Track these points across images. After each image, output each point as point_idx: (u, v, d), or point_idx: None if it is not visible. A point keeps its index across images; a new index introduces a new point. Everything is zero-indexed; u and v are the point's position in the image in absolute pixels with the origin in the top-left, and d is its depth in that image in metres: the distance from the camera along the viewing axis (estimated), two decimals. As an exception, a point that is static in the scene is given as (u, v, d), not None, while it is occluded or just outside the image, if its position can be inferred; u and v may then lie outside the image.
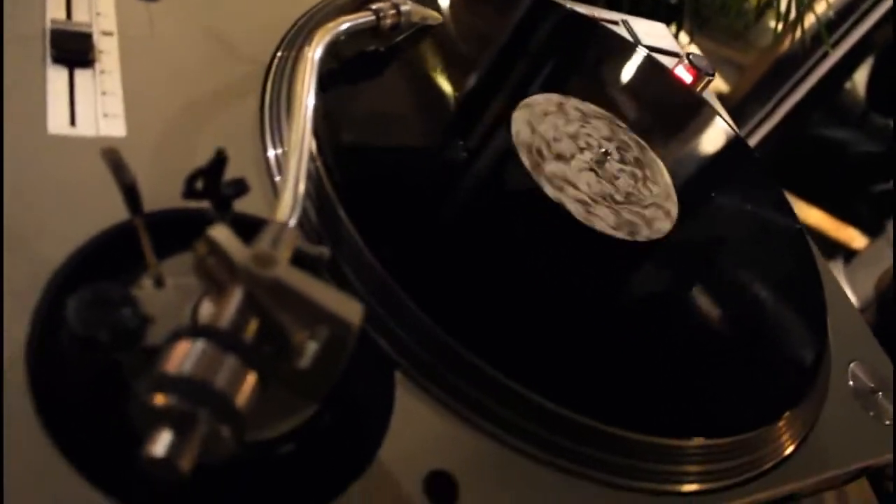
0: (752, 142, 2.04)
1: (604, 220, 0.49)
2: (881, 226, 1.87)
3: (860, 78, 2.05)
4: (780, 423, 0.45)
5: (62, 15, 0.43)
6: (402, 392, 0.36)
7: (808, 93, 2.00)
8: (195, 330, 0.26)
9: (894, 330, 1.16)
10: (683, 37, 1.39)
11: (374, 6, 0.49)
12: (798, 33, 1.36)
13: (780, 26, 1.29)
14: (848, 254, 1.89)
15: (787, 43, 1.40)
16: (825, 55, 1.89)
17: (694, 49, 2.09)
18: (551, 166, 0.50)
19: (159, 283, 0.32)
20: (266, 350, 0.29)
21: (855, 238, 1.94)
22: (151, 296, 0.31)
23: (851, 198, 2.02)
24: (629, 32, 0.73)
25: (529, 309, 0.42)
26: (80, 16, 0.43)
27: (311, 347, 0.29)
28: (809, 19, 1.29)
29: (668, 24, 1.23)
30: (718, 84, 2.28)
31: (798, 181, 1.93)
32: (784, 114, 2.05)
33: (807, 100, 1.98)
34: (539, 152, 0.49)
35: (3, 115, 0.37)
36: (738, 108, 2.18)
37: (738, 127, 2.06)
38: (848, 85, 2.11)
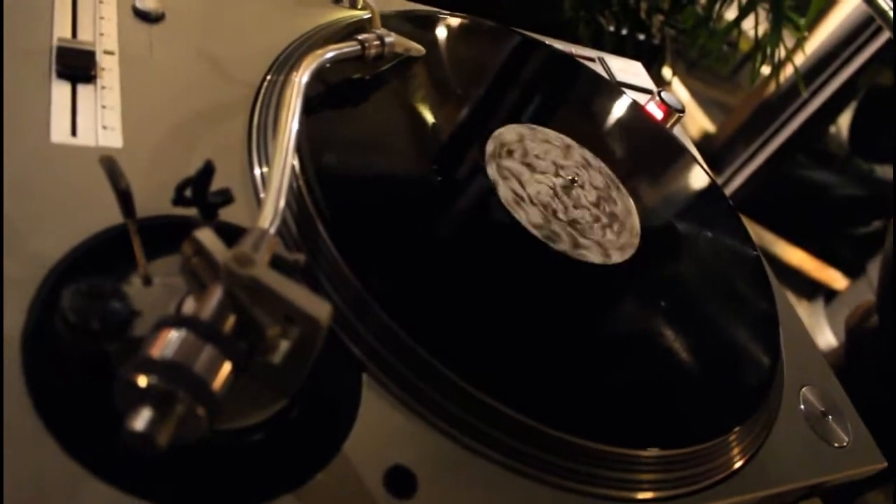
0: (737, 182, 2.08)
1: (583, 248, 0.52)
2: (862, 268, 1.90)
3: (844, 122, 2.10)
4: (731, 438, 0.48)
5: (68, 34, 0.46)
6: (368, 391, 0.38)
7: (792, 135, 2.04)
8: (178, 320, 0.29)
9: (862, 363, 1.19)
10: (668, 73, 1.43)
11: (360, 36, 0.52)
12: (781, 78, 1.40)
13: (765, 69, 1.34)
14: (829, 294, 1.91)
15: (772, 86, 1.44)
16: (809, 99, 1.94)
17: (679, 87, 2.14)
18: (528, 202, 0.53)
19: (147, 281, 0.34)
20: (242, 345, 0.31)
21: (836, 279, 1.97)
22: (140, 292, 0.34)
23: (833, 239, 2.05)
24: (605, 69, 0.77)
25: (492, 319, 0.45)
26: (85, 35, 0.46)
27: (284, 344, 0.32)
28: (789, 69, 1.34)
29: (651, 63, 1.28)
30: (704, 124, 2.32)
31: (781, 222, 1.97)
32: (768, 155, 2.09)
33: (791, 142, 2.02)
34: (514, 190, 0.53)
35: (7, 124, 0.40)
36: (724, 148, 2.23)
37: (723, 167, 2.09)
38: (832, 129, 2.15)
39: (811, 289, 1.91)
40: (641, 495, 0.44)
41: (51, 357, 0.32)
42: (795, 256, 1.98)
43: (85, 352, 0.32)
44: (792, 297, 1.76)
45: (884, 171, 2.06)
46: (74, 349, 0.32)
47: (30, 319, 0.33)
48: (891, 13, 1.11)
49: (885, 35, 1.62)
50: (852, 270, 1.94)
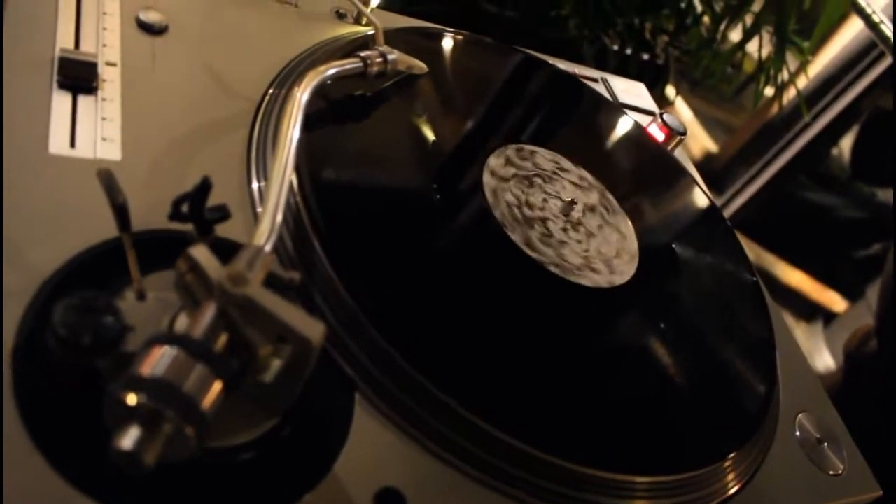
0: (738, 202, 2.08)
1: (581, 272, 0.52)
2: (862, 291, 1.90)
3: (846, 144, 2.10)
4: (726, 464, 0.48)
5: (71, 44, 0.46)
6: (360, 412, 0.38)
7: (794, 157, 2.04)
8: (169, 338, 0.29)
9: (860, 387, 1.18)
10: (671, 93, 1.44)
11: (362, 53, 0.52)
12: (784, 101, 1.41)
13: (768, 91, 1.34)
14: (828, 316, 1.91)
15: (775, 108, 1.45)
16: (812, 121, 1.94)
17: (682, 107, 2.15)
18: (526, 226, 0.53)
19: (141, 296, 0.34)
20: (234, 363, 0.31)
21: (835, 301, 1.96)
22: (133, 307, 0.34)
23: (833, 262, 2.05)
24: (607, 90, 0.77)
25: (487, 342, 0.45)
26: (88, 46, 0.46)
27: (276, 364, 0.32)
28: (792, 91, 1.34)
29: (655, 82, 1.28)
30: (707, 144, 2.33)
31: (781, 243, 1.97)
32: (770, 176, 2.09)
33: (793, 163, 2.02)
34: (513, 214, 0.53)
35: (7, 134, 0.40)
36: (726, 169, 2.23)
37: (725, 186, 2.09)
38: (835, 151, 2.16)
39: (810, 311, 1.90)
40: (635, 521, 0.43)
41: (41, 371, 0.32)
42: (795, 278, 1.98)
43: (76, 367, 0.32)
44: (791, 319, 1.76)
45: (885, 194, 2.06)
46: (65, 364, 0.31)
47: (21, 332, 0.33)
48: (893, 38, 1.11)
49: (888, 60, 1.63)
50: (852, 293, 1.94)
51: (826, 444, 0.55)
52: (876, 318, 1.19)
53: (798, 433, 0.55)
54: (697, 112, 2.36)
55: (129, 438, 0.26)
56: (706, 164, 2.24)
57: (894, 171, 1.81)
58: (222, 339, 0.31)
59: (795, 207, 2.15)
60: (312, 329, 0.30)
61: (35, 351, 0.32)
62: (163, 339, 0.29)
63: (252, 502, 0.33)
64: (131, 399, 0.27)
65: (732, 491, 0.48)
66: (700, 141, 2.31)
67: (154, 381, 0.27)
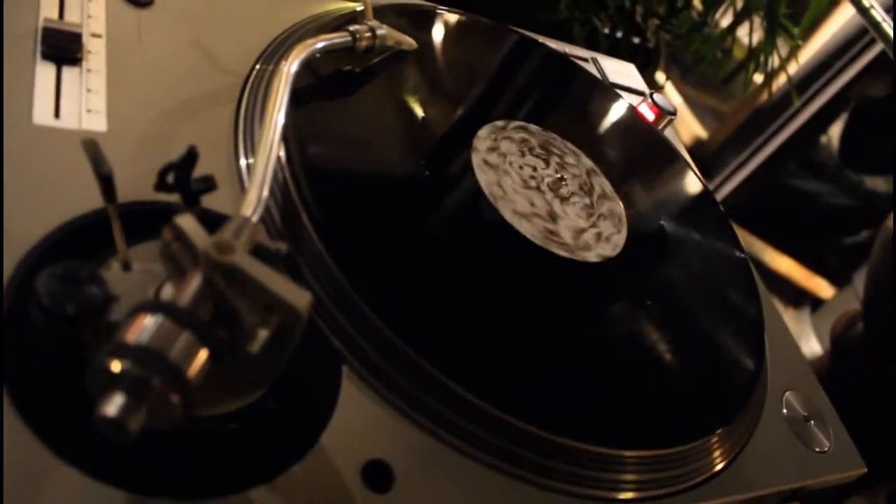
0: (727, 189, 2.08)
1: (568, 247, 0.52)
2: (849, 277, 1.91)
3: (835, 132, 2.11)
4: (713, 440, 0.48)
5: (55, 15, 0.45)
6: (348, 384, 0.38)
7: (783, 144, 2.05)
8: (155, 305, 0.29)
9: (846, 371, 1.19)
10: (661, 77, 1.44)
11: (351, 27, 0.52)
12: (773, 87, 1.41)
13: (758, 77, 1.34)
14: (815, 302, 1.92)
15: (765, 94, 1.45)
16: (801, 108, 1.95)
17: (672, 92, 2.15)
18: (514, 199, 0.53)
19: (126, 266, 0.34)
20: (220, 332, 0.31)
21: (823, 287, 1.98)
22: (118, 277, 0.33)
23: (821, 248, 2.06)
24: (598, 70, 0.76)
25: (475, 316, 0.45)
26: (72, 17, 0.46)
27: (262, 334, 0.31)
28: (782, 78, 1.35)
29: (645, 66, 1.28)
30: (696, 130, 2.33)
31: (770, 229, 1.98)
32: (759, 163, 2.10)
33: (782, 151, 2.03)
34: (500, 187, 0.52)
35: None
36: (715, 155, 2.23)
37: (714, 173, 2.09)
38: (823, 139, 2.16)
39: (798, 296, 1.92)
40: (622, 495, 0.43)
41: (25, 341, 0.32)
42: (783, 264, 1.99)
43: (60, 337, 0.31)
44: (779, 305, 1.77)
45: (873, 182, 2.08)
46: (49, 333, 0.31)
47: (5, 303, 0.32)
48: (884, 25, 1.11)
49: (878, 47, 1.63)
50: (839, 279, 1.96)
51: (812, 421, 0.56)
52: (862, 302, 1.20)
53: (785, 411, 0.55)
54: (687, 98, 2.36)
55: (113, 405, 0.26)
56: (696, 151, 2.25)
57: (884, 159, 1.81)
58: (208, 309, 0.30)
59: (784, 195, 2.16)
60: (299, 297, 0.30)
61: (19, 321, 0.32)
62: (148, 306, 0.29)
63: (239, 472, 0.33)
64: (116, 366, 0.27)
65: (719, 467, 0.48)
66: (689, 127, 2.31)
67: (139, 348, 0.27)
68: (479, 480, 0.39)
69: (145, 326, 0.28)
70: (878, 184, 2.06)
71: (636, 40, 1.28)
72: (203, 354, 0.29)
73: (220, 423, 0.33)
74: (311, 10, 0.58)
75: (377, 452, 0.37)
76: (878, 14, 1.19)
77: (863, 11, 1.20)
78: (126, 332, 0.28)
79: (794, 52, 1.34)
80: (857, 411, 0.67)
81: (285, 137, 0.42)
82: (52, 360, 0.32)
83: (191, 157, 0.34)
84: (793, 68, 1.41)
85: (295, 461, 0.34)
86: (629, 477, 0.44)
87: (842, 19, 1.75)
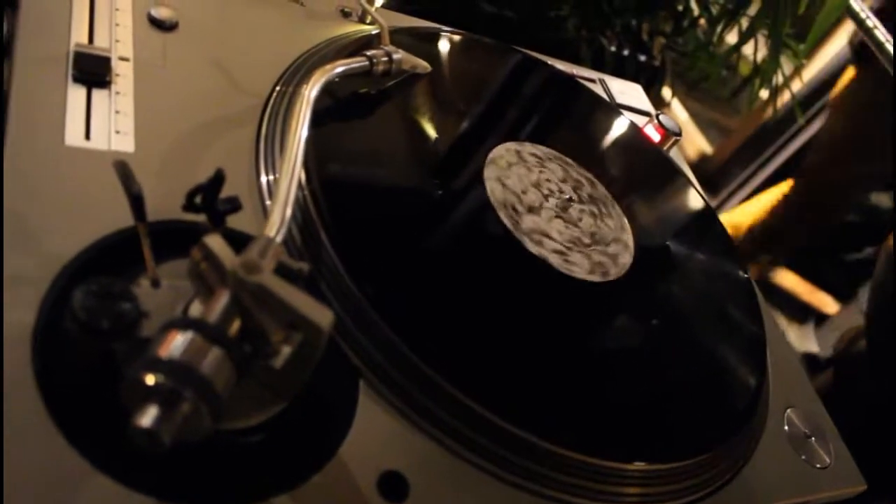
0: (733, 203, 2.10)
1: (579, 267, 0.53)
2: (853, 293, 1.91)
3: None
4: (715, 455, 0.49)
5: (85, 40, 0.47)
6: (365, 398, 0.39)
7: (788, 159, 2.06)
8: (186, 322, 0.30)
9: (849, 388, 1.20)
10: (668, 94, 1.45)
11: (368, 52, 0.54)
12: (778, 104, 1.42)
13: (763, 93, 1.36)
14: (820, 318, 1.92)
15: (770, 110, 1.46)
16: (806, 124, 1.96)
17: (678, 108, 2.16)
18: (527, 221, 0.54)
19: (156, 283, 0.36)
20: (246, 348, 0.32)
21: (827, 303, 1.98)
22: (148, 294, 0.35)
23: (826, 264, 2.06)
24: (605, 91, 0.78)
25: (488, 332, 0.46)
26: (101, 41, 0.47)
27: (286, 350, 0.33)
28: (786, 94, 1.36)
29: (651, 84, 1.30)
30: (702, 145, 2.35)
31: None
32: (765, 178, 2.11)
33: (787, 166, 2.04)
34: (514, 208, 0.54)
35: (24, 126, 0.41)
36: (721, 170, 2.25)
37: (720, 188, 2.10)
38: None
39: (802, 312, 1.92)
40: (627, 508, 0.45)
41: (60, 354, 0.33)
42: (788, 279, 1.99)
43: (93, 350, 0.33)
44: (783, 320, 1.78)
45: (877, 197, 2.08)
46: (83, 347, 0.33)
47: (41, 317, 0.34)
48: (887, 45, 1.13)
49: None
50: (844, 295, 1.96)
51: (813, 438, 0.57)
52: (865, 319, 1.21)
53: (786, 427, 0.56)
54: (693, 114, 2.38)
55: (148, 417, 0.28)
56: (701, 166, 2.26)
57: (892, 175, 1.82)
58: (235, 325, 0.32)
59: (788, 209, 2.15)
60: (322, 316, 0.32)
61: (54, 334, 0.34)
62: (179, 323, 0.30)
63: (261, 483, 0.34)
64: (150, 379, 0.28)
65: (721, 482, 0.49)
66: (695, 143, 2.33)
67: (172, 362, 0.29)
68: (490, 492, 0.40)
69: (177, 342, 0.29)
70: (882, 200, 2.06)
71: (642, 58, 1.29)
72: (231, 369, 0.30)
73: (243, 436, 0.34)
74: (326, 33, 0.60)
75: (393, 464, 0.38)
76: (882, 34, 1.21)
77: (866, 31, 1.22)
78: (159, 348, 0.29)
79: (797, 71, 1.36)
80: (858, 428, 0.68)
81: (306, 159, 0.44)
82: (86, 371, 0.33)
83: (218, 179, 0.35)
84: (796, 86, 1.42)
85: (314, 472, 0.36)
86: (632, 490, 0.45)
87: (845, 38, 1.77)
